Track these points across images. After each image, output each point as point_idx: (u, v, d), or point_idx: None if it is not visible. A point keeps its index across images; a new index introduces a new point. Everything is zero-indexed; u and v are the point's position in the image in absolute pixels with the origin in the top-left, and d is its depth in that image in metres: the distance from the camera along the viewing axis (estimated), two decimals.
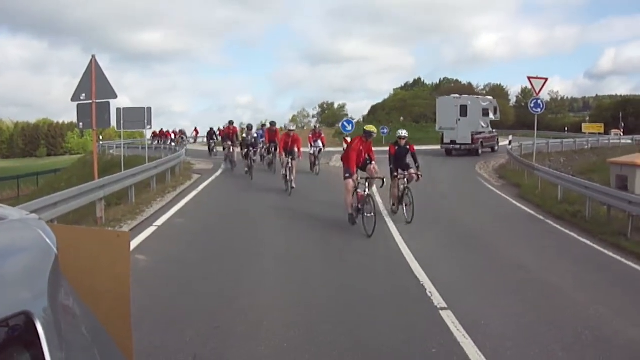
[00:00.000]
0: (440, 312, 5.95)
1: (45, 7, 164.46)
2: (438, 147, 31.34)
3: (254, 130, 20.27)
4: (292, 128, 17.30)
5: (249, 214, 11.88)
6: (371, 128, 11.10)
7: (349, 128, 25.15)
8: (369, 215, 9.83)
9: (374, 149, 11.28)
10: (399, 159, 11.76)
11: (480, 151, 29.31)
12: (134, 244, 8.53)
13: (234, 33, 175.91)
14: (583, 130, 48.54)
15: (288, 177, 14.79)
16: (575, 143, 37.28)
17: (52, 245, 1.37)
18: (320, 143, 20.57)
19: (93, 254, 2.11)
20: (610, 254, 9.28)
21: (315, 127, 25.90)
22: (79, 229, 2.76)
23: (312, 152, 20.16)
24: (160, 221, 10.80)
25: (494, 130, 32.63)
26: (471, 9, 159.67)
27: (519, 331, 5.61)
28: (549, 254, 9.28)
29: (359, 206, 10.17)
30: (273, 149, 19.20)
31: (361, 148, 10.74)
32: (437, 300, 6.33)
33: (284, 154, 15.38)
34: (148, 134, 39.94)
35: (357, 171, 10.68)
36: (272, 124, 20.92)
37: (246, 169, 18.08)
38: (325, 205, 12.80)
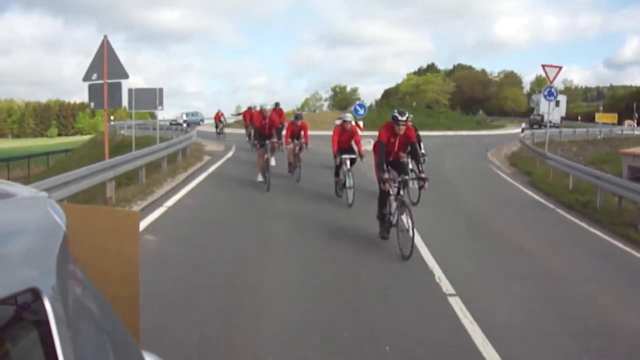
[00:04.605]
0: (449, 298, 5.97)
1: None
2: (450, 133, 39.35)
3: None
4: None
5: (259, 197, 11.85)
6: None
7: (361, 112, 25.25)
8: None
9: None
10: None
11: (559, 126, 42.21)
12: (143, 224, 8.56)
13: (252, 12, 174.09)
14: (596, 120, 47.97)
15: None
16: (587, 133, 36.94)
17: (61, 223, 1.37)
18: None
19: (103, 233, 2.12)
20: (620, 245, 9.23)
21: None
22: (89, 208, 2.76)
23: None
24: (170, 202, 10.82)
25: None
26: None
27: (525, 318, 5.60)
28: (558, 242, 9.24)
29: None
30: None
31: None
32: (446, 286, 6.34)
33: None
34: (160, 115, 40.15)
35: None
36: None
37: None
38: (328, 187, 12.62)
